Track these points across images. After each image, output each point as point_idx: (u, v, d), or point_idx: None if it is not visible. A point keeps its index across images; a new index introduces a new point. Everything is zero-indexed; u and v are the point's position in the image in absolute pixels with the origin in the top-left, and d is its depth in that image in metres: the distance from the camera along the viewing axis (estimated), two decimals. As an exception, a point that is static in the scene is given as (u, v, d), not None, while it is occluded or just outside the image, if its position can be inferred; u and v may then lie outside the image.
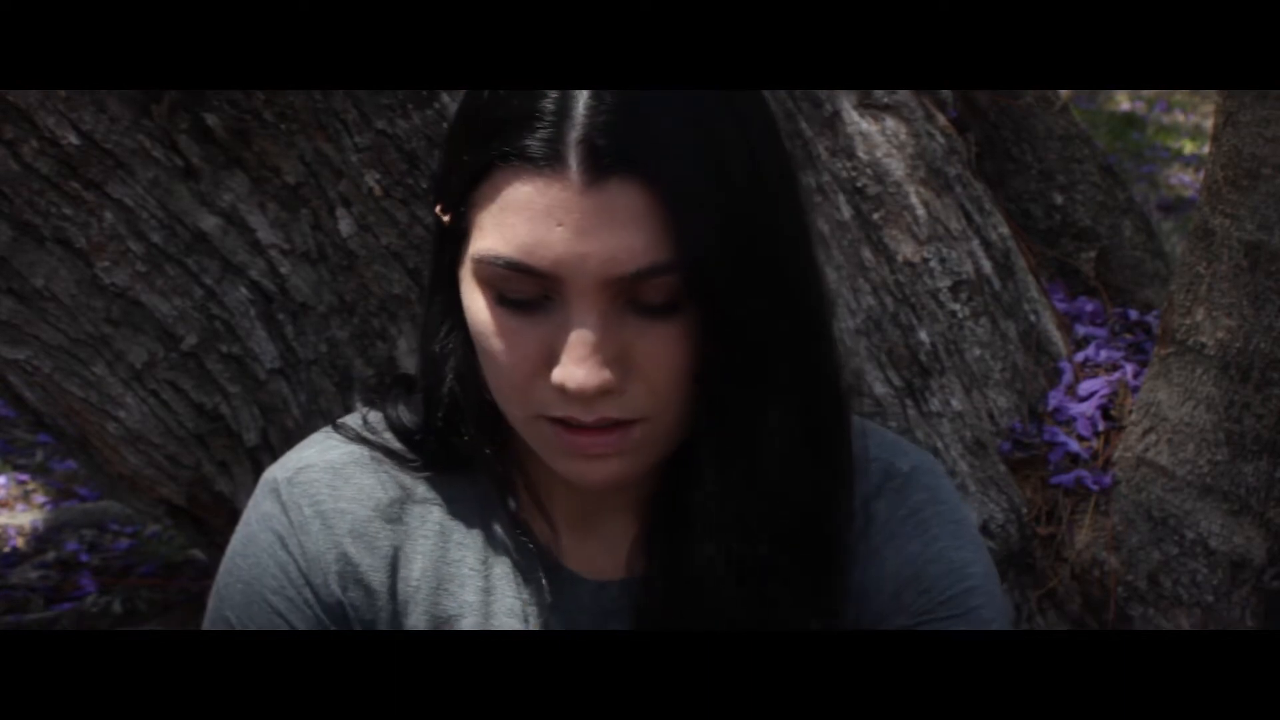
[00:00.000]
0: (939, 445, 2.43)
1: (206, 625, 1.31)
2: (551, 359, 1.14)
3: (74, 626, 3.75)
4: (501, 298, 1.15)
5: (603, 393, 1.13)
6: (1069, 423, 2.67)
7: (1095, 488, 2.60)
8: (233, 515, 2.31)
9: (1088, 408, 2.69)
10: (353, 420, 1.34)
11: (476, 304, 1.16)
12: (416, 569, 1.30)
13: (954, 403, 2.52)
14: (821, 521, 1.23)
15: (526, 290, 1.14)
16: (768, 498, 1.20)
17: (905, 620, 1.28)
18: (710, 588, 1.22)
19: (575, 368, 1.12)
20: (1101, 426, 2.68)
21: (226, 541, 1.34)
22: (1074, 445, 2.63)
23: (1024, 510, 2.59)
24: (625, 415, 1.16)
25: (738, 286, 1.13)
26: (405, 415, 1.33)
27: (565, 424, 1.16)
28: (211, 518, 2.35)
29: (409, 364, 2.19)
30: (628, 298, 1.13)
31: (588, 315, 1.12)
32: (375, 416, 1.35)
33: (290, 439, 2.23)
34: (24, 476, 5.34)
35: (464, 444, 1.29)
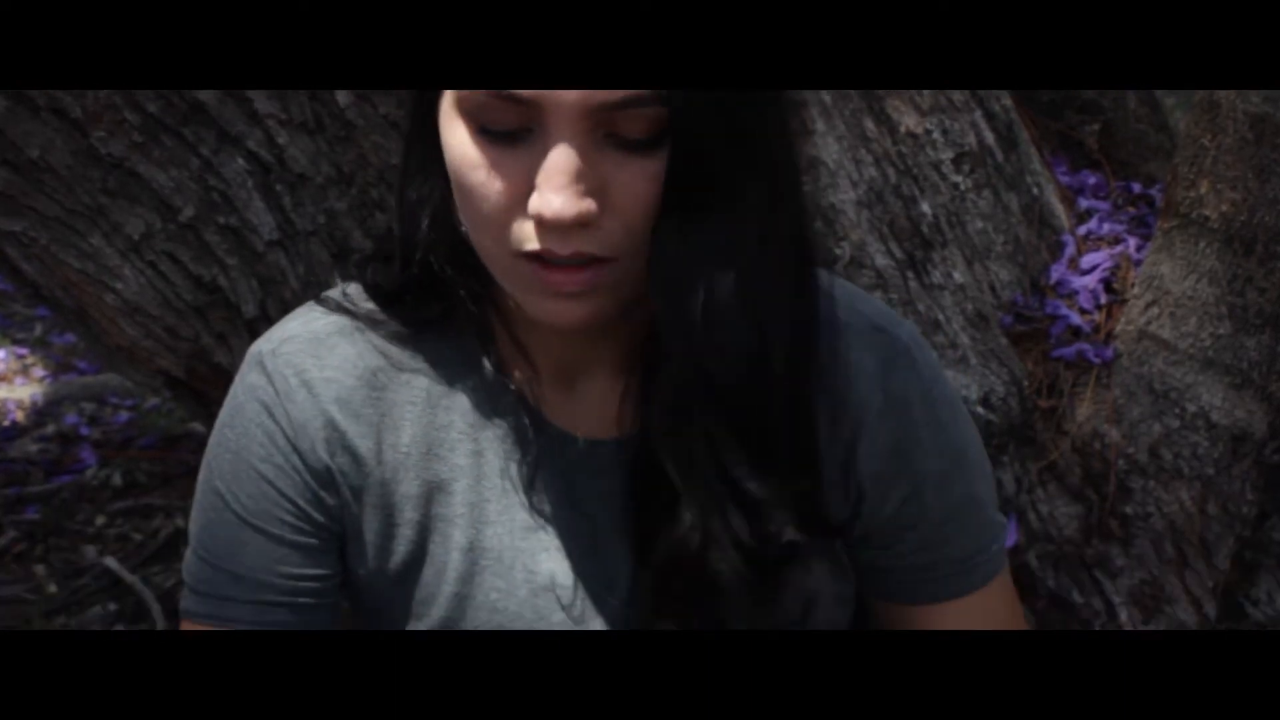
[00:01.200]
0: (940, 318, 2.42)
1: (198, 498, 1.31)
2: (530, 191, 1.13)
3: (74, 499, 3.76)
4: (483, 129, 1.14)
5: (580, 224, 1.12)
6: (1071, 296, 2.66)
7: (1097, 361, 2.59)
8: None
9: (1090, 281, 2.68)
10: (333, 293, 1.34)
11: (457, 138, 1.15)
12: (406, 435, 1.30)
13: (955, 275, 2.51)
14: (779, 373, 1.21)
15: (508, 120, 1.13)
16: (722, 348, 1.17)
17: (904, 488, 1.29)
18: (690, 445, 1.23)
19: (553, 195, 1.11)
20: (1103, 300, 2.67)
21: (226, 414, 1.34)
22: (1076, 318, 2.62)
23: (1025, 383, 2.59)
24: (599, 251, 1.15)
25: (715, 124, 1.12)
26: (384, 279, 1.32)
27: (542, 260, 1.15)
28: (210, 390, 2.34)
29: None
30: (607, 129, 1.13)
31: (568, 144, 1.11)
32: (355, 288, 1.34)
33: (288, 311, 2.22)
34: (23, 350, 5.34)
35: (442, 293, 1.29)
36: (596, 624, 1.31)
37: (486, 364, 1.31)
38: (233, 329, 2.24)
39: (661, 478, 1.24)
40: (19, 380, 4.99)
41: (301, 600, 1.28)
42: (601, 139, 1.13)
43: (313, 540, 1.29)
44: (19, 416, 4.53)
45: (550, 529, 1.31)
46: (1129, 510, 2.59)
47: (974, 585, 1.31)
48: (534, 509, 1.31)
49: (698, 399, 1.19)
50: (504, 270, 1.20)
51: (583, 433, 1.31)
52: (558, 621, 1.30)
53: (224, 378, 2.30)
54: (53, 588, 3.28)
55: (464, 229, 1.21)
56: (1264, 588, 2.71)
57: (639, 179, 1.14)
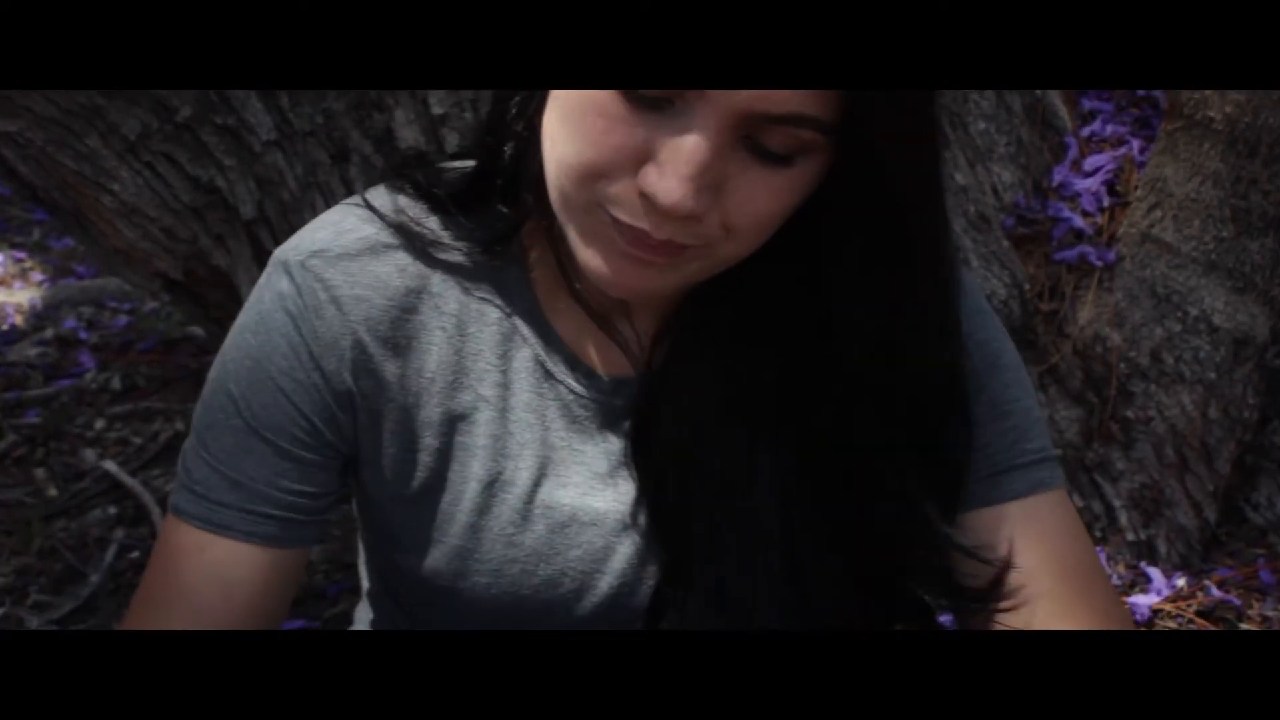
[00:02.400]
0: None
1: (206, 396, 1.29)
2: (642, 159, 1.10)
3: (73, 403, 3.76)
4: None
5: (687, 218, 1.10)
6: (1074, 198, 2.65)
7: (1099, 264, 2.58)
8: (230, 290, 2.30)
9: (1093, 183, 2.66)
10: (375, 198, 1.31)
11: None
12: (432, 361, 1.28)
13: (958, 177, 2.49)
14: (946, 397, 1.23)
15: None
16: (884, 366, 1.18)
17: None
18: (708, 395, 1.22)
19: (676, 184, 1.07)
20: (1106, 202, 2.65)
21: (225, 317, 1.32)
22: (1078, 221, 2.61)
23: (1026, 286, 2.58)
24: (691, 242, 1.13)
25: (893, 157, 1.09)
26: (440, 185, 1.29)
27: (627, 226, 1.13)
28: (209, 292, 2.33)
29: (407, 135, 2.15)
30: (749, 133, 1.09)
31: (711, 138, 1.08)
32: (404, 200, 1.31)
33: (287, 212, 2.21)
34: (21, 254, 5.32)
35: (494, 216, 1.26)
36: (616, 560, 1.31)
37: (523, 296, 1.29)
38: (231, 230, 2.23)
39: (678, 415, 1.24)
40: (17, 284, 4.98)
41: (294, 516, 1.27)
42: (738, 140, 1.10)
43: (318, 457, 1.28)
44: (18, 321, 4.52)
45: (571, 465, 1.30)
46: (1130, 414, 2.59)
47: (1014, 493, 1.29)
48: (556, 445, 1.30)
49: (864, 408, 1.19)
50: (576, 216, 1.16)
51: (611, 371, 1.29)
52: (574, 558, 1.30)
53: (222, 280, 2.29)
54: (52, 491, 3.28)
55: (546, 163, 1.17)
56: (1264, 492, 2.72)
57: (762, 190, 1.11)
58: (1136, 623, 2.44)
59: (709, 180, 1.08)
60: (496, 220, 1.27)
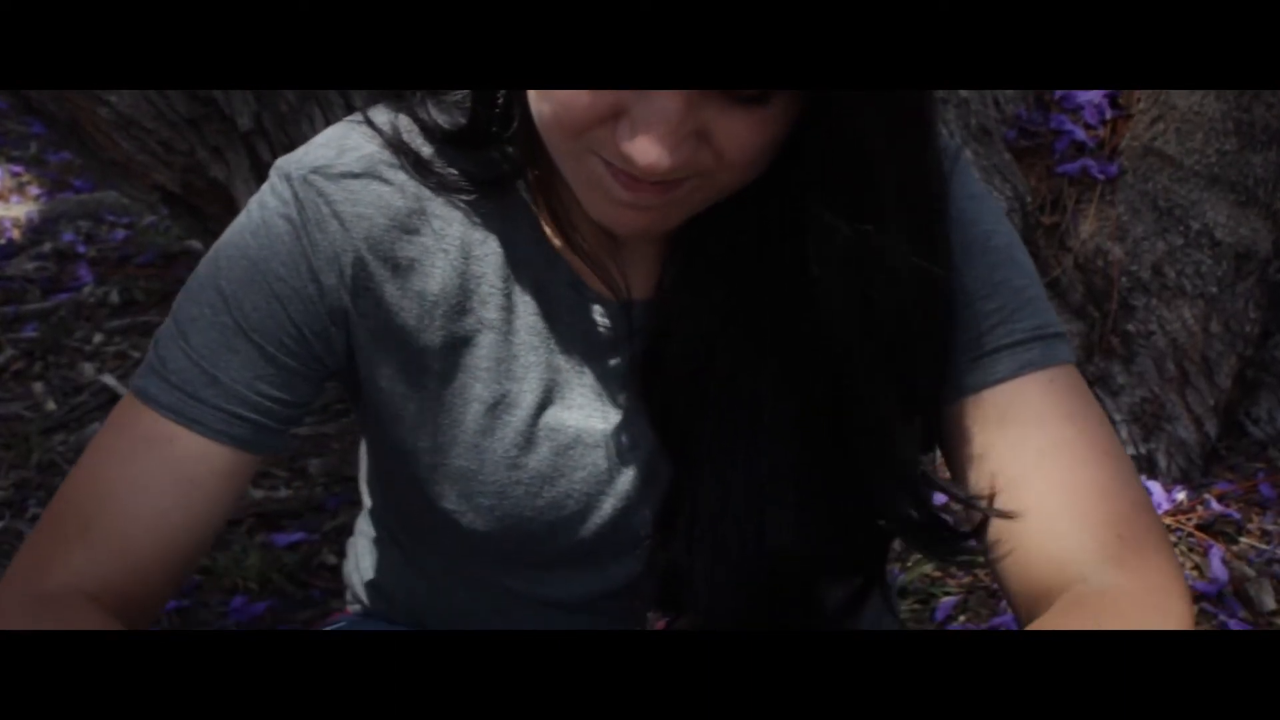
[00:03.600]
0: (943, 132, 2.39)
1: (194, 288, 1.27)
2: (618, 113, 1.09)
3: (71, 317, 3.76)
4: None
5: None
6: (1076, 111, 2.63)
7: (1101, 177, 2.57)
8: (228, 202, 2.28)
9: (1095, 95, 2.65)
10: (377, 116, 1.29)
11: None
12: (435, 284, 1.27)
13: (960, 90, 2.48)
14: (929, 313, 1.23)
15: None
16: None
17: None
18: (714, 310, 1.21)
19: (650, 145, 1.07)
20: (1109, 115, 2.64)
21: (222, 229, 1.30)
22: (1080, 133, 2.60)
23: (1028, 199, 2.57)
24: (685, 174, 1.12)
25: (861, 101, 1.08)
26: (440, 118, 1.27)
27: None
28: (207, 205, 2.32)
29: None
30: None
31: (681, 93, 1.07)
32: (404, 120, 1.29)
33: (284, 124, 2.20)
34: (18, 168, 5.30)
35: (496, 148, 1.25)
36: (620, 482, 1.31)
37: (528, 224, 1.28)
38: (228, 142, 2.21)
39: (688, 339, 1.23)
40: (15, 198, 4.96)
41: (267, 422, 1.26)
42: (708, 90, 1.09)
43: (302, 367, 1.27)
44: (15, 235, 4.51)
45: (576, 387, 1.29)
46: (1131, 328, 2.58)
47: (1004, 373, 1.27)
48: (561, 368, 1.29)
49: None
50: (569, 164, 1.15)
51: (618, 295, 1.28)
52: (578, 480, 1.30)
53: (220, 192, 2.28)
54: (51, 405, 3.28)
55: (533, 115, 1.17)
56: (1265, 406, 2.72)
57: (743, 127, 1.10)
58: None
59: (686, 132, 1.08)
60: (494, 165, 1.26)
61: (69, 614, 1.19)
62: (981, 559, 1.29)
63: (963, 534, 1.27)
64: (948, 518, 1.29)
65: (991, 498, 1.23)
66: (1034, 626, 1.18)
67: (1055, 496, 1.22)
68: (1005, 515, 1.22)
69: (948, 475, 1.29)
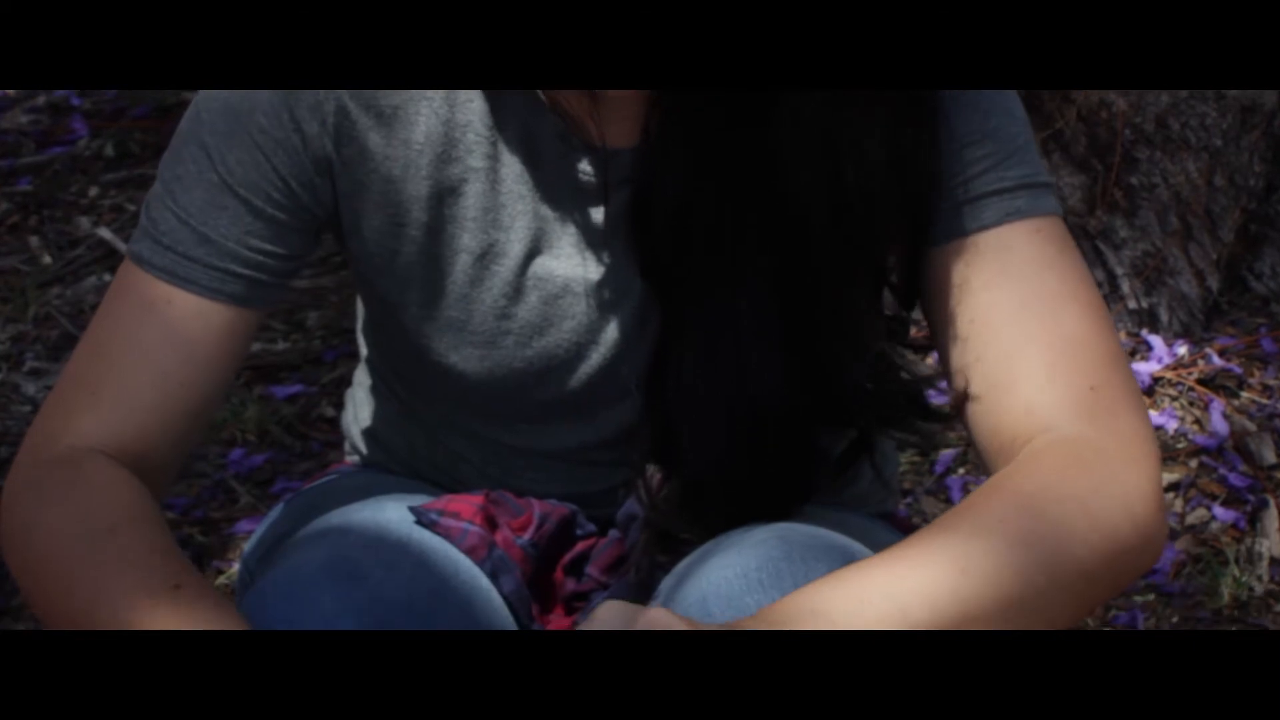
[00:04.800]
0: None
1: (178, 145, 1.26)
2: None
3: (66, 170, 3.73)
4: None
5: None
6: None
7: (1107, 28, 2.54)
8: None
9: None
10: None
11: None
12: (419, 132, 1.26)
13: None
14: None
15: None
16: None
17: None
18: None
19: None
20: (1116, -36, 2.60)
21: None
22: (1087, -17, 2.56)
23: (1033, 51, 2.53)
24: None
25: None
26: None
27: None
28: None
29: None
30: None
31: None
32: None
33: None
34: (10, 20, 5.24)
35: None
36: (609, 331, 1.30)
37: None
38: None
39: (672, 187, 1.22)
40: (7, 51, 4.91)
41: (261, 276, 1.25)
42: None
43: (292, 219, 1.26)
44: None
45: (564, 237, 1.28)
46: (1134, 181, 2.56)
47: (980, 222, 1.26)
48: (549, 217, 1.28)
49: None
50: None
51: (605, 141, 1.27)
52: (567, 329, 1.29)
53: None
54: (47, 259, 3.26)
55: None
56: (1268, 261, 2.71)
57: None
58: (1140, 385, 2.45)
59: None
60: None
61: (82, 470, 1.21)
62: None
63: (935, 413, 1.28)
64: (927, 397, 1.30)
65: (964, 394, 1.24)
66: (1001, 473, 1.19)
67: (1033, 347, 1.22)
68: (967, 398, 1.23)
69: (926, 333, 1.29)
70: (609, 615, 1.06)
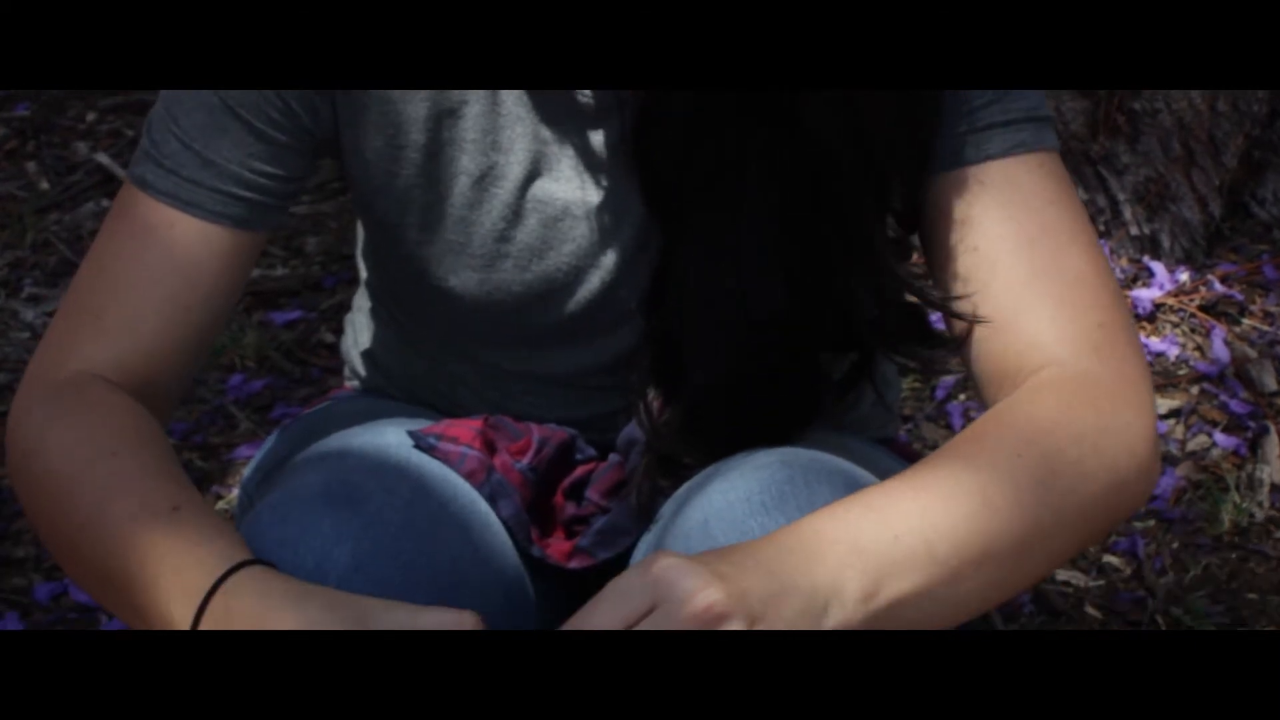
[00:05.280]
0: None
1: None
2: None
3: (64, 95, 3.71)
4: None
5: None
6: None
7: (1111, -49, 2.52)
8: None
9: None
10: None
11: None
12: None
13: None
14: None
15: None
16: None
17: None
18: None
19: None
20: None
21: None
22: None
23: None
24: None
25: None
26: None
27: None
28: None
29: None
30: None
31: None
32: None
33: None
34: (5, -56, 5.21)
35: None
36: (608, 255, 1.30)
37: None
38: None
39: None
40: (3, -25, 4.89)
41: (263, 199, 1.25)
42: None
43: (292, 140, 1.26)
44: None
45: (563, 159, 1.27)
46: (1137, 106, 2.55)
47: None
48: (549, 139, 1.27)
49: None
50: None
51: None
52: (567, 252, 1.29)
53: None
54: (44, 184, 3.24)
55: None
56: (1270, 187, 2.70)
57: None
58: (1138, 315, 2.45)
59: None
60: None
61: (85, 394, 1.22)
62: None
63: (938, 338, 1.28)
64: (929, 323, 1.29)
65: (973, 317, 1.23)
66: (1007, 404, 1.18)
67: (1041, 281, 1.22)
68: (976, 320, 1.23)
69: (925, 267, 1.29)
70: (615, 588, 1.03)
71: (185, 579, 1.07)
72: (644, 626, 0.97)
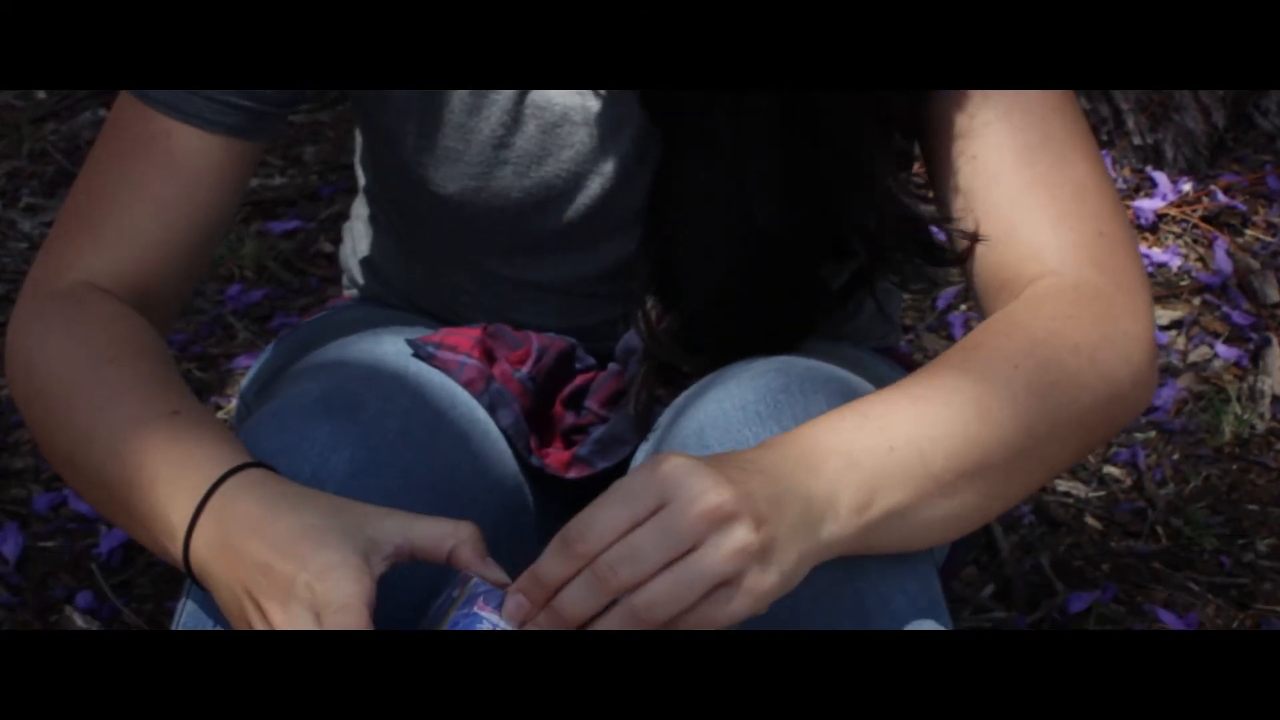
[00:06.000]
0: None
1: None
2: None
3: (60, 3, 3.69)
4: None
5: None
6: None
7: None
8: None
9: None
10: None
11: None
12: None
13: None
14: None
15: None
16: None
17: None
18: None
19: None
20: None
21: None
22: None
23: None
24: None
25: None
26: None
27: None
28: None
29: None
30: None
31: None
32: None
33: None
34: None
35: None
36: (608, 162, 1.29)
37: None
38: None
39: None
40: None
41: (260, 108, 1.24)
42: None
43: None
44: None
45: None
46: (1142, 15, 2.53)
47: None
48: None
49: None
50: None
51: None
52: (566, 159, 1.28)
53: None
54: (41, 94, 3.23)
55: None
56: (1275, 98, 2.68)
57: None
58: (1140, 226, 2.44)
59: None
60: None
61: (84, 304, 1.21)
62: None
63: (939, 249, 1.27)
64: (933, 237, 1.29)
65: (974, 235, 1.22)
66: (1006, 312, 1.18)
67: (1042, 189, 1.21)
68: (976, 239, 1.22)
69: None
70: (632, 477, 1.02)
71: (184, 481, 1.07)
72: (651, 525, 0.96)
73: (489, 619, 0.98)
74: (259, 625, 1.01)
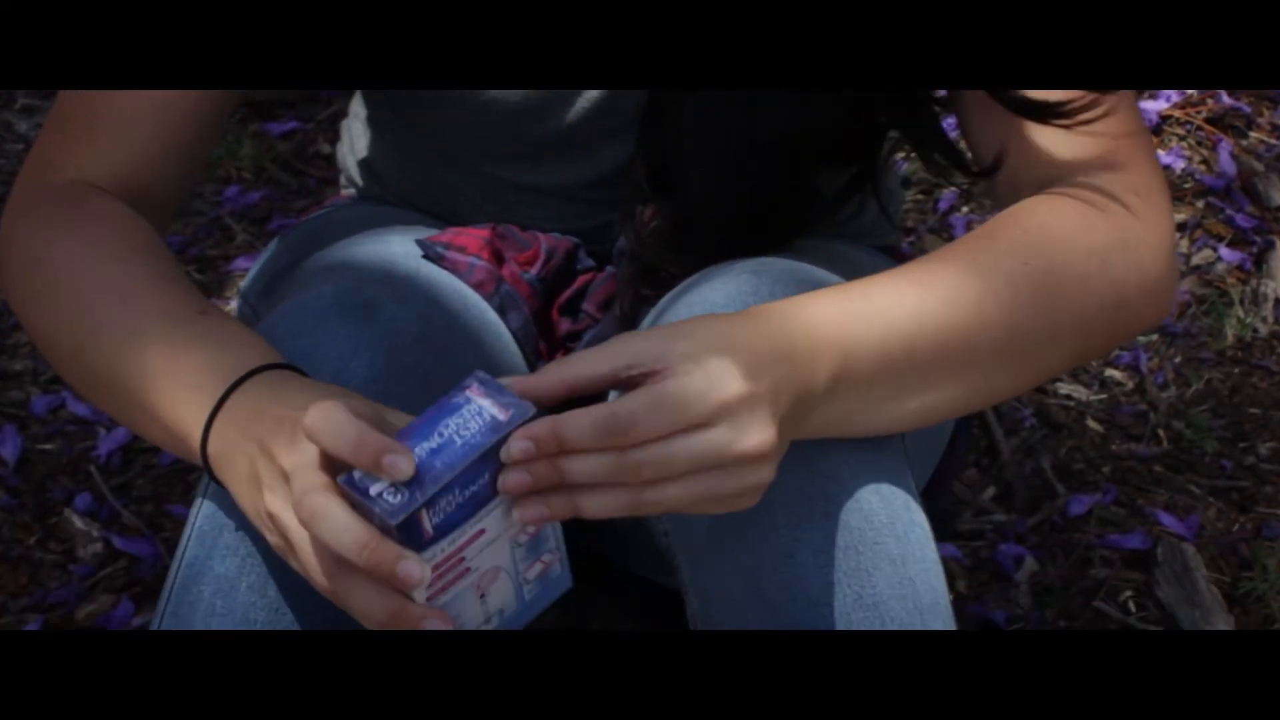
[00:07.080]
0: None
1: None
2: None
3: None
4: None
5: None
6: None
7: None
8: None
9: None
10: None
11: None
12: None
13: None
14: None
15: None
16: None
17: None
18: None
19: None
20: None
21: None
22: None
23: None
24: None
25: None
26: None
27: None
28: None
29: None
30: None
31: None
32: None
33: None
34: None
35: None
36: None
37: None
38: None
39: None
40: None
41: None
42: None
43: None
44: None
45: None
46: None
47: None
48: None
49: None
50: None
51: None
52: (560, 96, 1.28)
53: None
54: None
55: None
56: None
57: None
58: (1148, 123, 2.42)
59: None
60: None
61: (87, 203, 1.19)
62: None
63: (957, 149, 1.25)
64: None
65: (993, 169, 1.21)
66: (1023, 206, 1.16)
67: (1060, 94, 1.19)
68: (991, 172, 1.21)
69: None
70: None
71: (218, 372, 1.04)
72: (691, 441, 0.94)
73: (478, 403, 0.95)
74: (268, 479, 0.96)
